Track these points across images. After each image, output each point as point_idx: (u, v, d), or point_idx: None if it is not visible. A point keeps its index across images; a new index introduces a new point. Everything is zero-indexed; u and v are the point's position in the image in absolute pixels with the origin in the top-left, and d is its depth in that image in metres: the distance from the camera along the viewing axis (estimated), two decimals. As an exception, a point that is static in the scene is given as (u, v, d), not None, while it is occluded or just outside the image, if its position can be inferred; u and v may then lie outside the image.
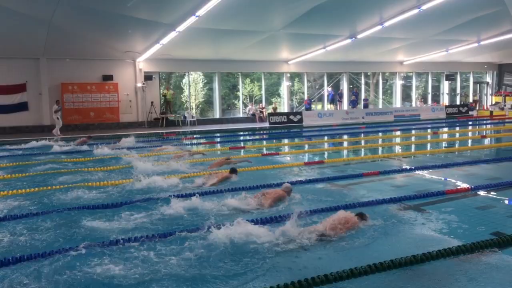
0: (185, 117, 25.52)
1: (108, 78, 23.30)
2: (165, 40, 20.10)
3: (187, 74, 27.36)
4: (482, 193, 7.45)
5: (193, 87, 28.54)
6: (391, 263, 4.30)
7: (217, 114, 27.30)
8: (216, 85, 27.15)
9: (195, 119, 25.67)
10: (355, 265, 4.17)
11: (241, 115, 28.32)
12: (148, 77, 24.28)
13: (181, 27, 18.24)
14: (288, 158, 12.24)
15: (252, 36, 21.53)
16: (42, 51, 21.25)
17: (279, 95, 30.40)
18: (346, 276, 4.07)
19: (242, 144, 15.70)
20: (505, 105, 30.52)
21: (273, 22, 20.04)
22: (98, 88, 23.21)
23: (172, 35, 19.28)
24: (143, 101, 24.38)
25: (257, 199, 6.59)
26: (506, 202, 6.92)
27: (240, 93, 28.51)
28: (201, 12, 16.27)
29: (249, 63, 26.92)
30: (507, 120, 25.21)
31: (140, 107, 24.44)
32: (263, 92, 28.98)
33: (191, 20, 17.19)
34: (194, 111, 27.16)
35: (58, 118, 20.60)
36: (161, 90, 25.50)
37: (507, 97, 31.93)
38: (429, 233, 5.42)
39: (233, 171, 8.69)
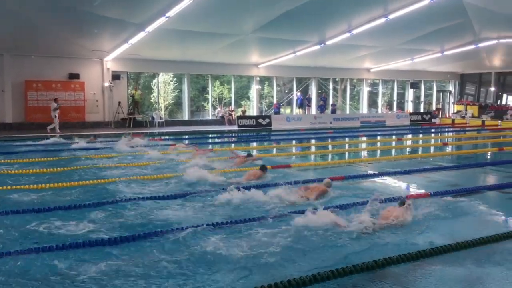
0: (153, 118, 25.26)
1: (74, 76, 22.81)
2: (134, 40, 19.87)
3: (157, 74, 27.10)
4: (441, 199, 7.71)
5: (162, 88, 28.30)
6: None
7: (186, 116, 27.16)
8: (185, 87, 27.02)
9: (163, 120, 25.45)
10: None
11: (210, 117, 28.26)
12: (115, 76, 23.92)
13: (151, 28, 18.08)
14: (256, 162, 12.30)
15: (223, 38, 21.56)
16: (6, 47, 20.63)
17: (248, 98, 30.51)
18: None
19: (210, 146, 15.68)
20: (466, 114, 31.63)
21: (244, 25, 20.14)
22: (64, 87, 22.69)
23: (141, 35, 19.08)
24: (110, 101, 23.99)
25: (301, 192, 7.47)
26: (464, 207, 7.18)
27: (209, 95, 28.46)
28: (171, 13, 16.18)
29: (219, 66, 26.92)
30: (467, 128, 26.16)
31: (107, 106, 24.03)
32: (232, 95, 29.04)
33: (161, 20, 17.06)
34: (162, 112, 26.92)
35: (55, 117, 20.42)
36: (129, 90, 25.17)
37: (468, 106, 33.12)
38: (384, 240, 5.59)
39: (264, 168, 9.34)
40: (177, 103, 28.57)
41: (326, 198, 7.45)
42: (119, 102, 24.16)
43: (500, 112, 30.40)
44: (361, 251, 5.10)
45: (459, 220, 6.54)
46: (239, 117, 25.77)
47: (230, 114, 27.47)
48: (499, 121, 28.57)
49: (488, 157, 14.35)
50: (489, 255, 5.08)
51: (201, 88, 29.64)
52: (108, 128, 23.10)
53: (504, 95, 34.07)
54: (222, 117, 27.52)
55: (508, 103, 33.34)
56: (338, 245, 5.29)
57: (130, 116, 24.35)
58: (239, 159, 10.97)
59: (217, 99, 29.95)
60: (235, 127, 24.96)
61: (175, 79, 28.61)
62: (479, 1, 19.01)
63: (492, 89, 33.94)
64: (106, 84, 23.76)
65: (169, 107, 28.84)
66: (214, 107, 28.91)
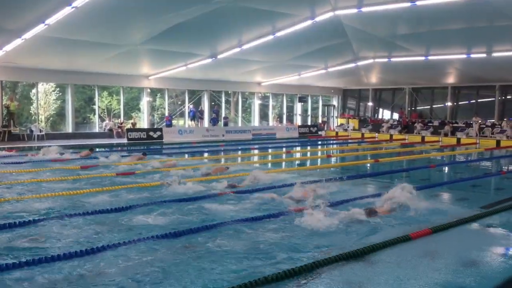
0: (32, 130, 23.24)
1: None
2: (9, 47, 18.19)
3: (36, 84, 25.03)
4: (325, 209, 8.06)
5: (43, 99, 26.26)
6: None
7: (70, 128, 25.43)
8: (69, 97, 25.28)
9: (43, 133, 23.55)
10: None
11: (97, 130, 26.83)
12: (-13, 85, 21.67)
13: (28, 35, 16.69)
14: (143, 179, 11.85)
15: (110, 49, 20.65)
16: None
17: (139, 110, 29.58)
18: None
19: (95, 162, 14.80)
20: (348, 127, 33.99)
21: (132, 36, 19.51)
22: None
23: (17, 42, 17.52)
24: (-20, 112, 21.63)
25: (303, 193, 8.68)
26: (344, 216, 7.58)
27: (96, 107, 27.03)
28: (51, 20, 15.11)
29: (106, 76, 25.73)
30: (350, 141, 28.07)
31: (-23, 118, 21.63)
32: (121, 106, 27.92)
33: (40, 28, 15.84)
34: (43, 124, 24.92)
35: None
36: (3, 101, 22.92)
37: (350, 119, 35.66)
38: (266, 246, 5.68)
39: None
40: (60, 114, 26.68)
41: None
42: (-8, 114, 21.90)
43: (377, 125, 33.16)
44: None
45: (339, 230, 6.86)
46: (128, 130, 24.82)
47: (119, 127, 26.35)
48: (376, 134, 31.14)
49: (368, 168, 15.44)
50: (372, 262, 5.37)
51: (88, 99, 28.10)
52: (-23, 142, 20.73)
53: (380, 110, 37.30)
54: (111, 129, 26.28)
55: (384, 117, 36.54)
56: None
57: (5, 129, 22.16)
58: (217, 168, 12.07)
59: (106, 111, 28.61)
60: (124, 140, 23.97)
61: (58, 88, 26.71)
62: (357, 23, 20.60)
63: (370, 104, 36.97)
64: (-24, 93, 21.40)
65: (51, 119, 26.83)
66: (102, 119, 27.54)
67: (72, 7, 14.42)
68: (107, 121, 27.18)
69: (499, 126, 27.74)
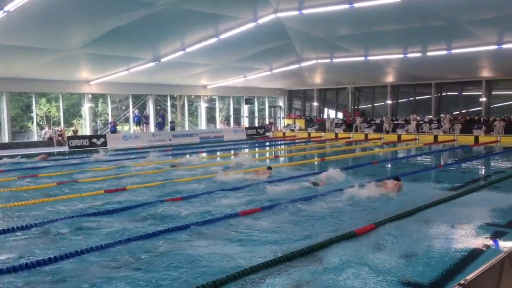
0: (-37, 142, 21.86)
1: None
2: None
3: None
4: (272, 211, 8.13)
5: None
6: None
7: (5, 138, 24.09)
8: (3, 106, 23.94)
9: (-24, 144, 22.20)
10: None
11: (36, 138, 25.60)
12: None
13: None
14: (85, 186, 11.42)
15: (47, 54, 19.80)
16: None
17: (81, 116, 28.56)
18: None
19: (34, 172, 14.11)
20: (295, 127, 34.50)
21: (71, 40, 18.81)
22: None
23: None
24: None
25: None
26: (295, 217, 7.67)
27: (34, 114, 25.79)
28: (-20, 24, 14.28)
29: (44, 82, 24.64)
30: (297, 141, 28.48)
31: None
32: (61, 113, 26.80)
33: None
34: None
35: None
36: None
37: (296, 120, 36.21)
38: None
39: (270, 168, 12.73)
40: (-5, 124, 25.24)
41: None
42: None
43: (322, 124, 33.87)
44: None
45: (288, 229, 6.93)
46: (70, 138, 23.88)
47: (60, 135, 25.29)
48: (322, 133, 31.81)
49: (315, 167, 15.69)
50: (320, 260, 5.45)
51: (25, 107, 26.79)
52: None
53: (325, 109, 38.15)
54: (51, 138, 25.15)
55: (330, 116, 37.38)
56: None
57: None
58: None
59: (45, 118, 27.40)
60: (65, 148, 23.02)
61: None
62: (299, 25, 20.96)
63: (315, 104, 37.72)
64: None
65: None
66: (41, 127, 26.34)
67: (4, 12, 13.72)
68: (46, 129, 26.02)
69: (436, 122, 29.13)
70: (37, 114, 26.06)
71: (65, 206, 8.75)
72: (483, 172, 15.24)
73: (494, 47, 21.04)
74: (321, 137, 30.67)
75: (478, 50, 21.99)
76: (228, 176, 12.12)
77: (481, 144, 23.91)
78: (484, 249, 6.02)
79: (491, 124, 26.45)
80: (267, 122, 37.58)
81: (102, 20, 16.69)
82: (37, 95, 25.94)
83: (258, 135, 32.09)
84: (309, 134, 32.08)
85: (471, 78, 29.08)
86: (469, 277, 3.06)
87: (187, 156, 19.16)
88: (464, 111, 30.47)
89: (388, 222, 7.17)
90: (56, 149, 23.13)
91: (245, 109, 36.76)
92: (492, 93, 29.61)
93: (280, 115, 39.00)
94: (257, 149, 23.83)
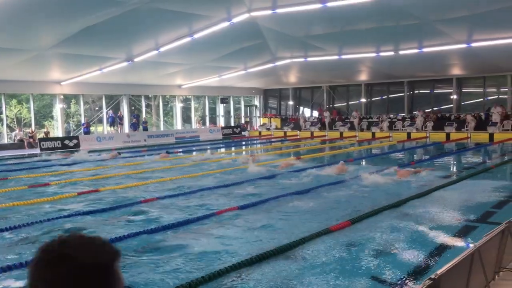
0: None
1: None
2: None
3: None
4: (248, 210, 8.13)
5: None
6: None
7: (-26, 141, 23.44)
8: (-29, 108, 23.30)
9: None
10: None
11: (6, 141, 24.95)
12: None
13: None
14: (57, 189, 11.19)
15: (16, 54, 19.30)
16: None
17: (52, 117, 27.95)
18: None
19: (5, 175, 13.75)
20: (270, 126, 34.57)
21: (40, 40, 18.40)
22: None
23: None
24: None
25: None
26: (273, 216, 7.69)
27: (4, 116, 25.11)
28: None
29: (14, 83, 24.02)
30: (273, 140, 28.55)
31: None
32: (32, 115, 26.17)
33: None
34: None
35: None
36: None
37: (272, 119, 36.29)
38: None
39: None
40: (-38, 127, 24.51)
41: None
42: None
43: (298, 123, 34.04)
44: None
45: (265, 228, 6.94)
46: (41, 139, 23.35)
47: (31, 136, 24.69)
48: (298, 132, 31.98)
49: (292, 166, 15.72)
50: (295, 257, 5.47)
51: (-6, 109, 26.04)
52: None
53: (301, 108, 38.37)
54: (21, 140, 24.54)
55: (305, 114, 37.59)
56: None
57: None
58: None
59: (15, 120, 26.73)
60: (37, 151, 22.50)
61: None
62: (273, 24, 21.00)
63: (291, 102, 37.90)
64: None
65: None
66: (12, 129, 25.67)
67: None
68: (17, 131, 25.38)
69: (409, 119, 29.64)
70: (7, 116, 25.38)
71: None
72: (454, 168, 15.59)
73: (464, 45, 21.53)
74: (297, 135, 30.83)
75: (449, 49, 22.47)
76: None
77: (452, 141, 24.46)
78: (454, 244, 6.16)
79: (463, 121, 27.07)
80: (243, 121, 37.55)
81: (73, 19, 16.37)
82: (7, 96, 25.26)
83: (234, 135, 32.04)
84: (285, 133, 32.21)
85: (442, 76, 29.72)
86: (440, 271, 3.12)
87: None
88: (435, 108, 31.11)
89: (364, 219, 7.26)
90: (27, 152, 22.58)
91: (220, 108, 36.65)
92: (463, 90, 30.34)
93: (255, 114, 39.02)
94: (233, 148, 23.80)
